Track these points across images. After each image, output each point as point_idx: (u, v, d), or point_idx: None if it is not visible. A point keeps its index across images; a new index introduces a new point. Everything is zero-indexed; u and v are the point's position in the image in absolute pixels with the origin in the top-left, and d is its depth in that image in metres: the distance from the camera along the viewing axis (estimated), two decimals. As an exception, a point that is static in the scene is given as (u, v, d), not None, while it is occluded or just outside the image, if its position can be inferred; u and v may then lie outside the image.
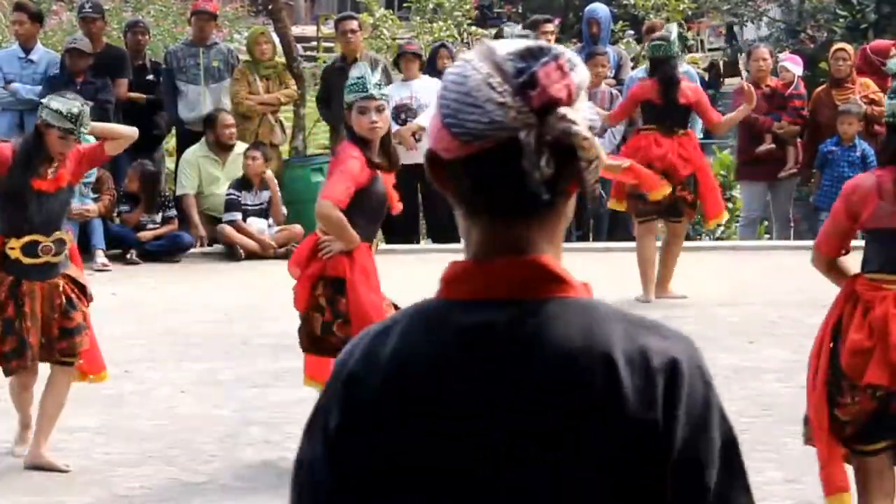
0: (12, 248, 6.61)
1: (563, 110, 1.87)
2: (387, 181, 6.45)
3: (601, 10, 13.95)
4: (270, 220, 12.62)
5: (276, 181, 12.61)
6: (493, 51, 1.91)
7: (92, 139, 7.11)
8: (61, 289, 6.66)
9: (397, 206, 6.72)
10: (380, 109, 6.32)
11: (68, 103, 6.59)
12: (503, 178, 1.88)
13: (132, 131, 7.22)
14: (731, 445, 1.91)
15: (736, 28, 23.75)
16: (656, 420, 1.86)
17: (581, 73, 1.91)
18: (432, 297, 1.95)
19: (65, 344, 6.65)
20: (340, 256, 6.29)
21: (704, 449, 1.88)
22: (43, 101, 6.84)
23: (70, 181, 6.75)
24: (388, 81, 12.42)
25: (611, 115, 10.83)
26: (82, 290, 6.77)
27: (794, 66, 13.49)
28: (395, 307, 6.20)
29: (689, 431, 1.87)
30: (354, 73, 6.46)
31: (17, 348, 6.57)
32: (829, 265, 5.38)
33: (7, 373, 6.70)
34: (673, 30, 10.40)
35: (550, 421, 1.86)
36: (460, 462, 1.88)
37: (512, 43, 1.91)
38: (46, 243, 6.62)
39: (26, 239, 6.60)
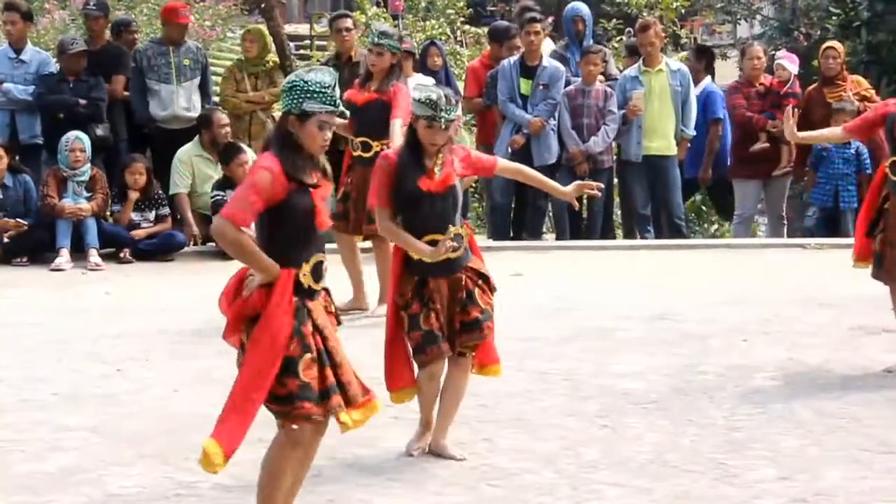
0: None
1: None
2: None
3: (583, 8, 13.98)
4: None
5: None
6: None
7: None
8: (463, 282, 6.67)
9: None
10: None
11: (425, 91, 6.55)
12: None
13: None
14: None
15: (728, 26, 23.73)
16: None
17: None
18: None
19: (464, 337, 6.68)
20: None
21: None
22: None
23: (455, 181, 6.65)
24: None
25: (847, 128, 8.34)
26: (486, 280, 6.76)
27: (790, 64, 13.50)
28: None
29: None
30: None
31: (422, 343, 6.58)
32: None
33: (420, 365, 6.69)
34: None
35: None
36: None
37: None
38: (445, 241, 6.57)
39: (426, 239, 6.56)
